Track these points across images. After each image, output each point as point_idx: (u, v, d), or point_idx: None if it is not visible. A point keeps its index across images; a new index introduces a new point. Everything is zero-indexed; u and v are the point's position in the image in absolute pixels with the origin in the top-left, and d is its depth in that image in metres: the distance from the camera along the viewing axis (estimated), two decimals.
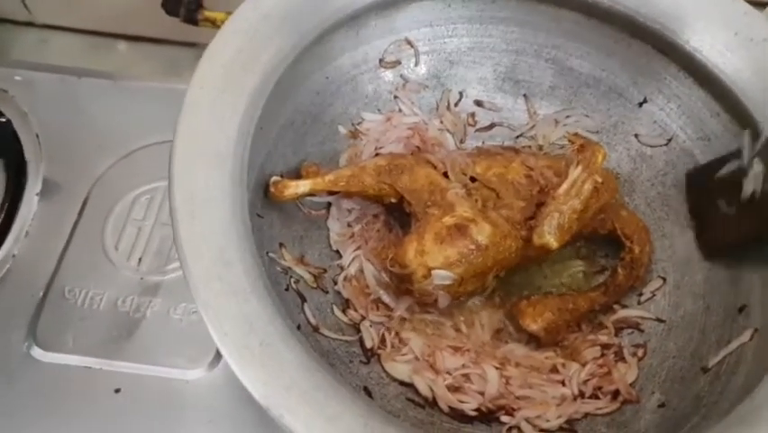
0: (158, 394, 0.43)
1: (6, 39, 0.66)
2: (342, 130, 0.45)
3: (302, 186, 0.40)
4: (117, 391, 0.43)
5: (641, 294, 0.42)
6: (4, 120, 0.50)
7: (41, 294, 0.46)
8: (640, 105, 0.45)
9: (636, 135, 0.45)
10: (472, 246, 0.38)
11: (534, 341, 0.41)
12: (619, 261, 0.41)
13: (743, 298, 0.38)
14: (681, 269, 0.41)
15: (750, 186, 0.37)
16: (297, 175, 0.42)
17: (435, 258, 0.38)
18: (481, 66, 0.47)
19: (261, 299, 0.30)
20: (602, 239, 0.42)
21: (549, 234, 0.37)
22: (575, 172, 0.38)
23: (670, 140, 0.44)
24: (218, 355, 0.44)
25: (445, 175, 0.41)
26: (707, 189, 0.41)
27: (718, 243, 0.40)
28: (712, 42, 0.40)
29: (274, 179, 0.39)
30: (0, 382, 0.43)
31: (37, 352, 0.44)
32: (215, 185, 0.32)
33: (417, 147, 0.46)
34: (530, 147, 0.47)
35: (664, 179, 0.44)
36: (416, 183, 0.40)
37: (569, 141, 0.45)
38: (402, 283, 0.39)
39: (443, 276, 0.38)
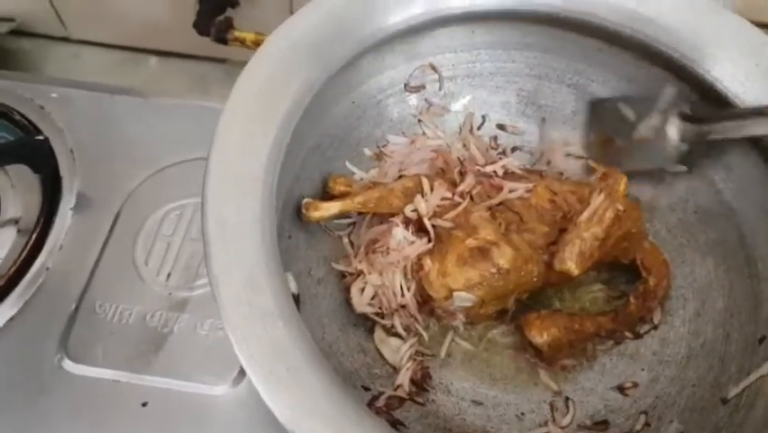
0: (184, 409, 0.44)
1: (42, 53, 0.68)
2: (368, 152, 0.46)
3: (332, 207, 0.41)
4: (144, 404, 0.44)
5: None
6: (41, 138, 0.52)
7: (74, 307, 0.47)
8: None
9: None
10: (494, 270, 0.38)
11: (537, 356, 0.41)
12: (633, 290, 0.42)
13: (763, 328, 0.38)
14: (702, 296, 0.42)
15: (644, 131, 0.42)
16: (324, 192, 0.43)
17: (457, 280, 0.38)
18: (504, 90, 0.48)
19: (288, 323, 0.31)
20: (624, 267, 0.43)
21: (570, 261, 0.38)
22: (597, 200, 0.39)
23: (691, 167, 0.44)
24: (242, 372, 0.45)
25: (470, 197, 0.42)
26: (608, 121, 0.45)
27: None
28: (733, 72, 0.40)
29: (306, 200, 0.41)
30: (33, 392, 0.44)
31: (68, 364, 0.45)
32: (247, 209, 0.33)
33: (441, 169, 0.47)
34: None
35: (685, 206, 0.44)
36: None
37: (592, 168, 0.45)
38: (425, 301, 0.40)
39: (463, 298, 0.39)
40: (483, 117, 0.48)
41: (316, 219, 0.41)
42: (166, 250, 0.50)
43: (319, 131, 0.43)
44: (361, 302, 0.41)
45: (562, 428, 0.39)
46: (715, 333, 0.40)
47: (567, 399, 0.41)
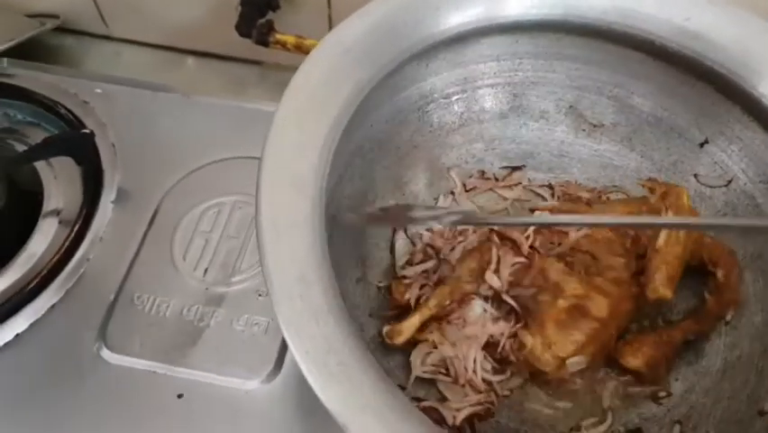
0: (218, 402, 0.45)
1: (84, 50, 0.70)
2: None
3: (412, 325, 0.41)
4: (180, 396, 0.45)
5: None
6: (88, 131, 0.53)
7: (112, 298, 0.48)
8: (701, 145, 0.46)
9: (696, 175, 0.46)
10: (596, 324, 0.39)
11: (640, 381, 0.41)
12: (706, 288, 0.42)
13: None
14: (739, 310, 0.42)
15: None
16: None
17: (565, 347, 0.39)
18: (544, 100, 0.48)
19: (338, 319, 0.31)
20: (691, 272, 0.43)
21: (663, 288, 0.39)
22: (663, 207, 0.40)
23: (730, 181, 0.45)
24: (276, 368, 0.46)
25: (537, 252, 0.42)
26: None
27: None
28: None
29: (386, 329, 0.41)
30: (72, 379, 0.45)
31: (106, 353, 0.46)
32: (298, 208, 0.34)
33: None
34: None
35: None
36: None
37: (648, 189, 0.46)
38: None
39: (578, 362, 0.39)
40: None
41: (402, 343, 0.41)
42: (204, 246, 0.51)
43: (362, 134, 0.44)
44: (420, 366, 0.41)
45: None
46: (752, 346, 0.40)
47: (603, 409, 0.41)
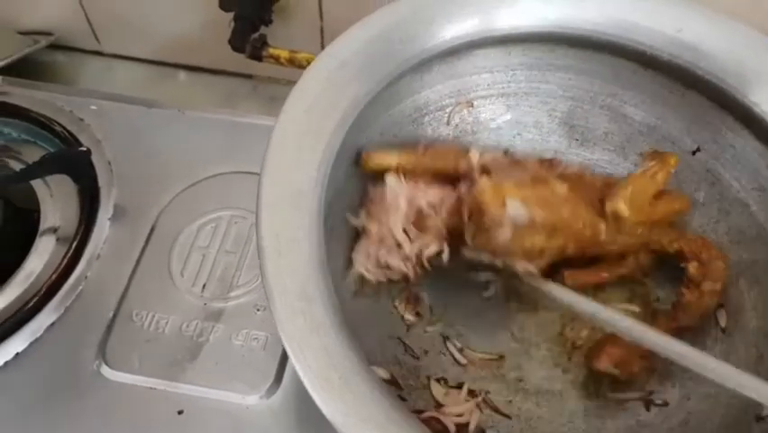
0: (219, 417, 0.45)
1: (77, 67, 0.70)
2: None
3: (390, 158, 0.41)
4: (180, 412, 0.45)
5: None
6: (84, 149, 0.53)
7: (111, 315, 0.48)
8: (693, 153, 0.46)
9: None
10: (550, 193, 0.38)
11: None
12: (681, 283, 0.42)
13: None
14: (734, 316, 0.42)
15: None
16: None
17: (513, 193, 0.37)
18: (538, 110, 0.49)
19: (339, 333, 0.32)
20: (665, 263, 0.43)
21: (622, 201, 0.38)
22: (649, 164, 0.40)
23: (723, 189, 0.45)
24: (276, 382, 0.46)
25: None
26: None
27: None
28: None
29: (365, 153, 0.42)
30: (72, 397, 0.45)
31: (106, 370, 0.46)
32: (297, 223, 0.34)
33: None
34: None
35: (716, 227, 0.45)
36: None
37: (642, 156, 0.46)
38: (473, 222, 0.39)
39: (517, 207, 0.37)
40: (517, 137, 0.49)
41: (372, 168, 0.41)
42: (201, 261, 0.51)
43: (358, 147, 0.44)
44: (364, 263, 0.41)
45: None
46: (748, 352, 0.41)
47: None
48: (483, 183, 0.37)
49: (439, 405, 0.41)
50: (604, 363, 0.40)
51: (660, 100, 0.46)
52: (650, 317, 0.44)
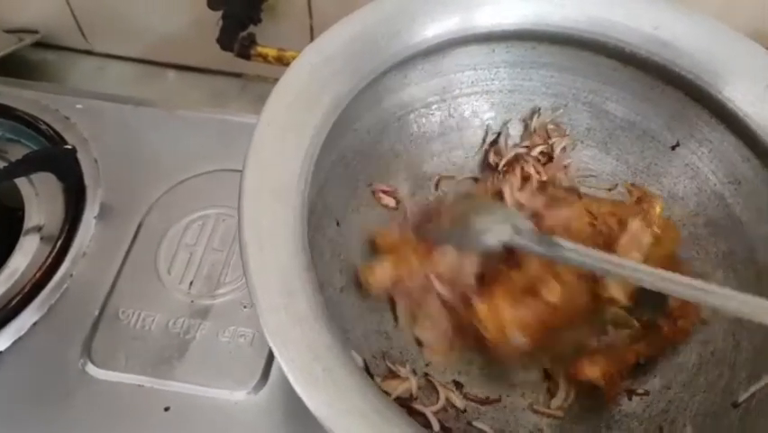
0: (205, 414, 0.45)
1: (65, 66, 0.70)
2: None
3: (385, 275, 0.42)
4: (167, 409, 0.45)
5: None
6: (70, 147, 0.53)
7: (97, 313, 0.48)
8: (673, 148, 0.47)
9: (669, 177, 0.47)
10: (544, 307, 0.39)
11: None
12: (662, 313, 0.43)
13: None
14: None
15: None
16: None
17: (511, 321, 0.39)
18: (522, 107, 0.49)
19: (322, 327, 0.32)
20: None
21: (615, 289, 0.39)
22: (634, 225, 0.40)
23: (701, 182, 0.46)
24: (263, 378, 0.46)
25: None
26: None
27: None
28: (744, 93, 0.42)
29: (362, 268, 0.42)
30: (58, 396, 0.45)
31: (92, 369, 0.46)
32: (280, 219, 0.34)
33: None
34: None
35: (695, 220, 0.46)
36: None
37: (627, 191, 0.47)
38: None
39: (517, 337, 0.39)
40: (500, 134, 0.50)
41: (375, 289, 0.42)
42: (188, 259, 0.51)
43: (343, 144, 0.44)
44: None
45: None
46: (725, 342, 0.41)
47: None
48: (481, 310, 0.39)
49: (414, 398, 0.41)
50: (595, 372, 0.40)
51: (640, 96, 0.46)
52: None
